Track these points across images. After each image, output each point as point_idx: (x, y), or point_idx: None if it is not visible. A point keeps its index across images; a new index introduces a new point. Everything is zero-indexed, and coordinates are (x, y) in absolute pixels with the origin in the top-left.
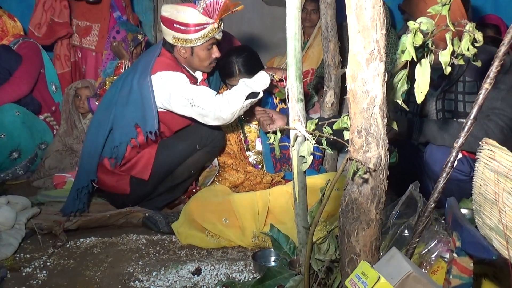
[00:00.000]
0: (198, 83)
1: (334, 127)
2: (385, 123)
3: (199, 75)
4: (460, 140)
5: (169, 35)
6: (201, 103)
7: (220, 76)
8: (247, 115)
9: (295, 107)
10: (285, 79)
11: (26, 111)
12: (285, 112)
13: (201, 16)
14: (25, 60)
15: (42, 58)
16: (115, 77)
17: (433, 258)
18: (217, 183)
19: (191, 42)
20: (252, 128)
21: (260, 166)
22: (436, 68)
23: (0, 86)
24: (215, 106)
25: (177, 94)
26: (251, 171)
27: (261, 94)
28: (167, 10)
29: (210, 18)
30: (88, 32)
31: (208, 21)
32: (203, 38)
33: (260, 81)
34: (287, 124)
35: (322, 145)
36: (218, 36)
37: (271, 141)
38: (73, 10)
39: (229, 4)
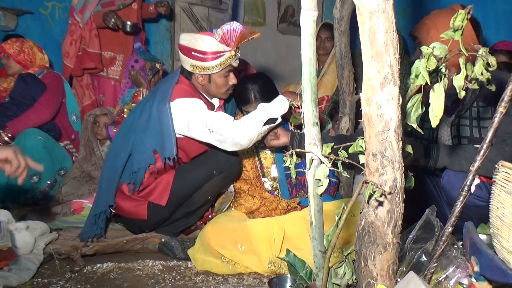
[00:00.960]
0: (215, 110)
1: (350, 150)
2: (400, 147)
3: (215, 101)
4: (477, 164)
5: (187, 62)
6: (219, 129)
7: (236, 103)
8: (263, 142)
9: (311, 131)
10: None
11: (47, 136)
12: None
13: (218, 44)
14: (49, 88)
15: (64, 89)
16: (133, 104)
17: (452, 284)
18: (233, 209)
19: (208, 69)
20: (267, 155)
21: (275, 192)
22: (449, 94)
23: (25, 112)
24: (233, 132)
25: (195, 120)
26: (266, 197)
27: (279, 120)
28: (185, 39)
29: (227, 46)
30: (112, 63)
31: (225, 49)
32: (220, 65)
33: (278, 106)
34: (298, 144)
35: (338, 169)
36: (235, 63)
37: (286, 164)
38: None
39: (246, 32)
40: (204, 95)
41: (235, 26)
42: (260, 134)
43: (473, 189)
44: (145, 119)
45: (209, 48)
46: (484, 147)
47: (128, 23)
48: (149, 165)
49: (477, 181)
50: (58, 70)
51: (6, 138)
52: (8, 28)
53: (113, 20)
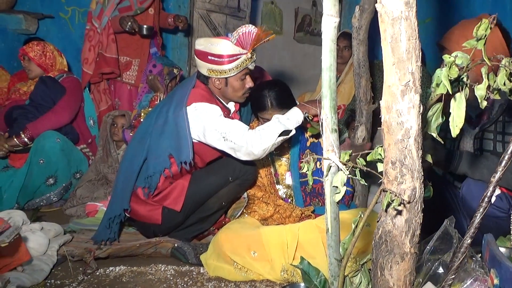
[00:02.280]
0: (231, 115)
1: (368, 158)
2: (420, 155)
3: (231, 106)
4: (497, 175)
5: (204, 67)
6: (234, 137)
7: (252, 109)
8: (278, 149)
9: (329, 137)
10: (318, 115)
11: (66, 139)
12: (316, 148)
13: (234, 47)
14: (69, 91)
15: (83, 93)
16: (149, 109)
17: None
18: (246, 215)
19: (225, 73)
20: (282, 162)
21: (289, 200)
22: (474, 106)
23: (44, 114)
24: (247, 142)
25: (211, 127)
26: (280, 205)
27: (293, 132)
28: (201, 44)
29: (243, 49)
30: (128, 67)
31: (241, 51)
32: (236, 68)
33: (293, 118)
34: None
35: (356, 176)
36: (251, 66)
37: (304, 170)
38: None
39: (261, 34)
40: (221, 99)
41: (250, 29)
42: (274, 145)
43: (493, 199)
44: (161, 123)
45: (225, 51)
46: (506, 158)
47: (145, 26)
48: (164, 169)
49: (497, 191)
50: (76, 75)
51: (26, 140)
52: (29, 32)
53: (129, 23)
